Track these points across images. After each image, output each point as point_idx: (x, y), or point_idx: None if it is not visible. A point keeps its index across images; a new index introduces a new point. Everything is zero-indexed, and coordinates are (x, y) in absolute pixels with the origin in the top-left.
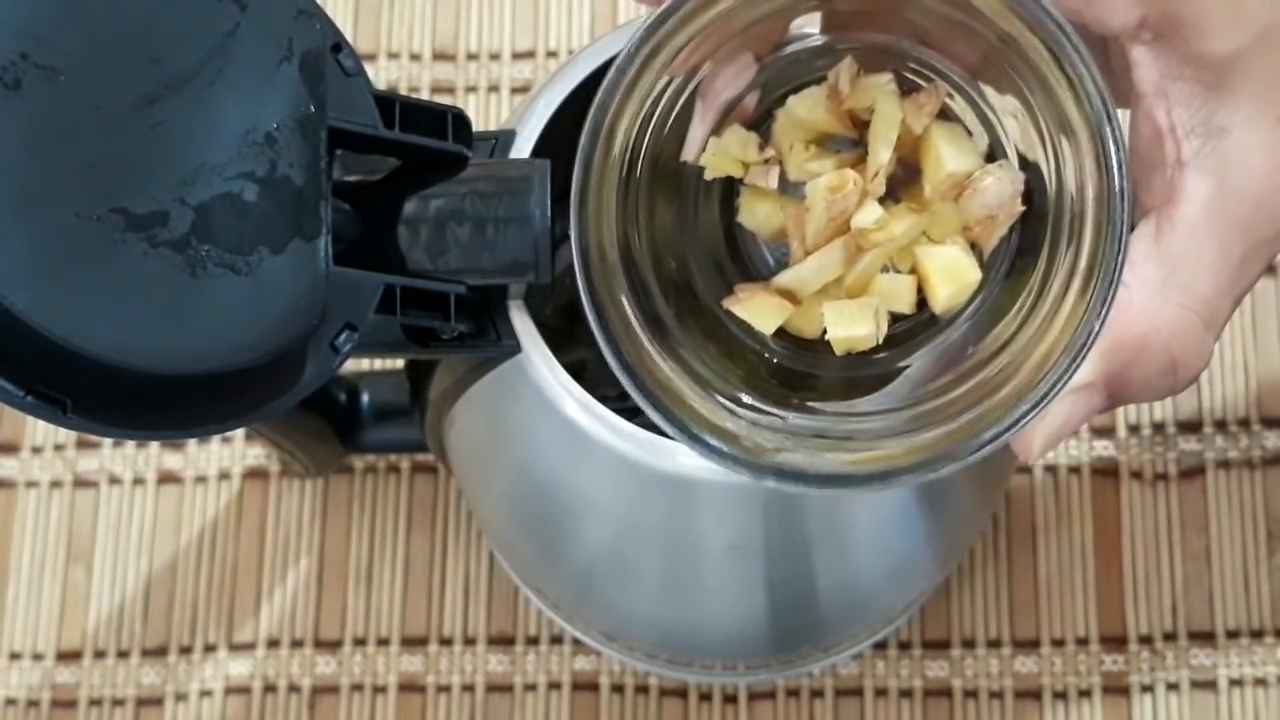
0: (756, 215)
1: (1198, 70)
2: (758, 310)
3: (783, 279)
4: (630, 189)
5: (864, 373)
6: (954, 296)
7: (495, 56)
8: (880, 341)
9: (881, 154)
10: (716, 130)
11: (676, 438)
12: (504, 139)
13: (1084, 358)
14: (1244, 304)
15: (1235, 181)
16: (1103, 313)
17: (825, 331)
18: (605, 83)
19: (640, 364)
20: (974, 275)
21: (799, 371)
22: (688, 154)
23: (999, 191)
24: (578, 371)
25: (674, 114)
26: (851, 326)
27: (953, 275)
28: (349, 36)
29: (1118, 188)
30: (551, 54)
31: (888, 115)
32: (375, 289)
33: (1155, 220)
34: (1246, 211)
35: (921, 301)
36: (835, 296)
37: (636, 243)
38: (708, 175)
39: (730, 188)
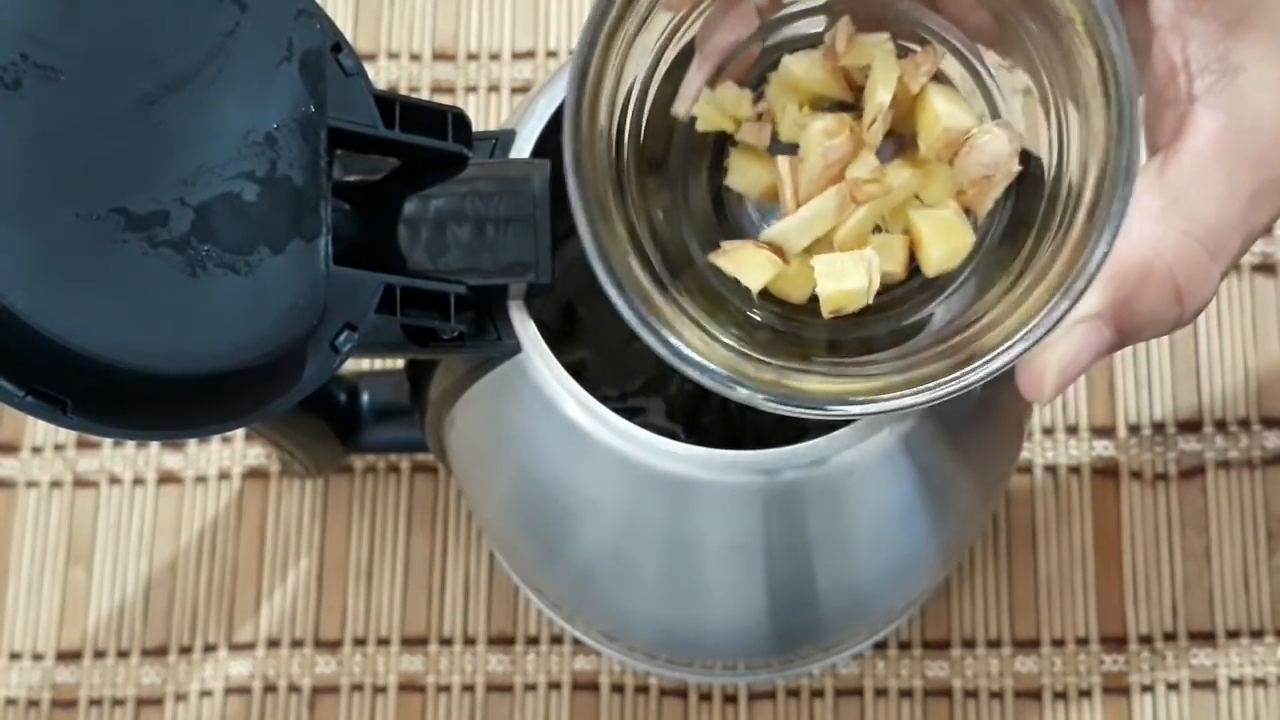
0: (747, 176)
1: (1215, 6)
2: (745, 264)
3: (772, 231)
4: (623, 161)
5: (851, 336)
6: (947, 258)
7: (495, 56)
8: (870, 300)
9: (880, 97)
10: (711, 84)
11: (668, 360)
12: (504, 139)
13: (1094, 277)
14: (1244, 304)
15: (1247, 117)
16: (1112, 234)
17: (814, 295)
18: (590, 15)
19: (631, 283)
20: (968, 237)
21: (788, 334)
22: (680, 105)
23: (996, 150)
24: (578, 371)
25: (657, 86)
26: (843, 280)
27: (946, 236)
28: (349, 36)
29: (1127, 115)
30: (551, 54)
31: (885, 64)
32: (375, 289)
33: (1162, 156)
34: (1259, 148)
35: (913, 271)
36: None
37: (636, 220)
38: (699, 127)
39: (720, 153)
